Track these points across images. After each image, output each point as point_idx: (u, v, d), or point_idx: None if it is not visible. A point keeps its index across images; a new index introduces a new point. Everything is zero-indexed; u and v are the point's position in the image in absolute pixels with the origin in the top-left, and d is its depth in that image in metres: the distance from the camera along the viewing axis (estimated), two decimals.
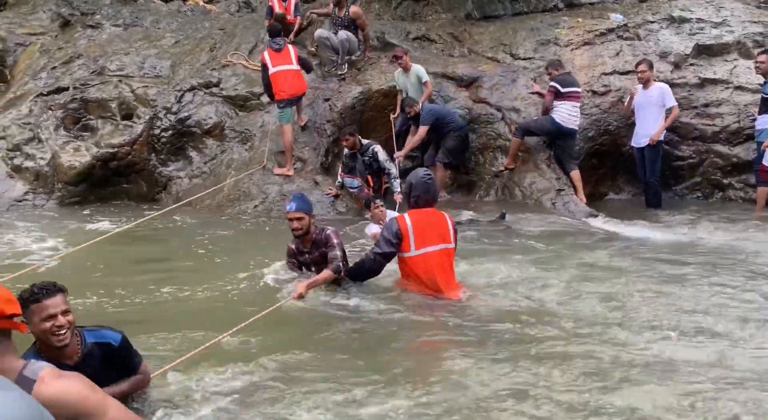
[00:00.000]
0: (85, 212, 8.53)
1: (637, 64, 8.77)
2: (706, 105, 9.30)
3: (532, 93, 9.46)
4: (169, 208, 8.08)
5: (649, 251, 6.54)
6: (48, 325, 2.86)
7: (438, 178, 8.17)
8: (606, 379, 3.56)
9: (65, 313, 2.91)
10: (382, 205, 7.38)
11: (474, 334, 4.33)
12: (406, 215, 5.14)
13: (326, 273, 5.07)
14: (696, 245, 6.84)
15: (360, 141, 8.35)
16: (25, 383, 2.14)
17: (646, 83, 8.65)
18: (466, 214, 8.13)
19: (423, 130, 8.84)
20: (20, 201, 8.67)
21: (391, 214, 7.27)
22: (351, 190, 8.58)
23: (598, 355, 3.85)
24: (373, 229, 7.19)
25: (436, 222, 5.14)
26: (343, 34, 9.86)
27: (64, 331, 2.90)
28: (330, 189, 8.61)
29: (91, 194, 9.01)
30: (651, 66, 8.68)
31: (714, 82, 9.39)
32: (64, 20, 11.14)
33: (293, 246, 5.45)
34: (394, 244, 5.01)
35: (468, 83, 9.83)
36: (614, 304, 4.86)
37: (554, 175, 8.85)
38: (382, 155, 8.32)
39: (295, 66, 8.83)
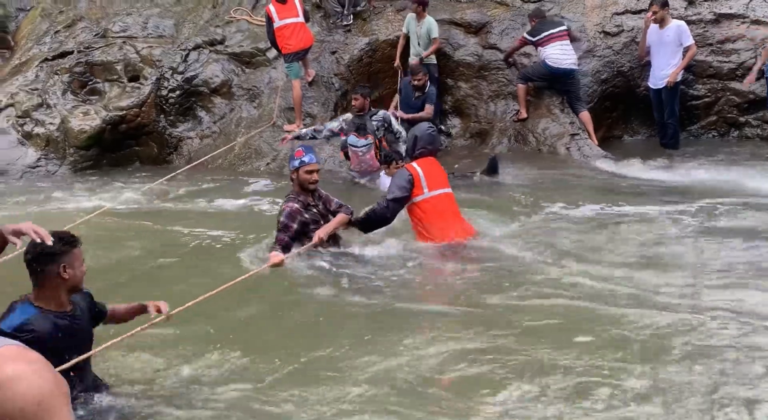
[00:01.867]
0: (93, 178, 8.53)
1: (650, 5, 8.53)
2: (722, 41, 9.07)
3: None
4: (181, 170, 7.98)
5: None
6: (84, 268, 3.08)
7: None
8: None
9: None
10: (401, 166, 7.21)
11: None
12: (413, 163, 5.33)
13: (341, 217, 5.06)
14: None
15: (369, 104, 7.87)
16: None
17: (661, 22, 8.42)
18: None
19: (430, 109, 8.65)
20: (33, 167, 8.69)
21: (384, 179, 7.17)
22: (355, 150, 7.78)
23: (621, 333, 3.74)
24: (386, 179, 7.13)
25: (437, 168, 5.44)
26: None
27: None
28: (286, 134, 7.98)
29: (103, 158, 9.01)
30: (664, 4, 8.41)
31: (730, 17, 9.14)
32: None
33: (296, 205, 4.92)
34: (407, 188, 5.15)
35: (477, 29, 9.63)
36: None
37: (568, 119, 8.73)
38: (394, 121, 7.89)
39: (301, 18, 8.66)
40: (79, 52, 9.54)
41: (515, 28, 9.38)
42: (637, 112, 9.43)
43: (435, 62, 9.26)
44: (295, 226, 4.80)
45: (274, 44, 8.76)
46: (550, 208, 6.11)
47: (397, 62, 9.28)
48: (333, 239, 5.03)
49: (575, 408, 2.95)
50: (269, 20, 8.60)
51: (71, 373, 2.92)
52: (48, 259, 2.96)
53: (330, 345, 3.66)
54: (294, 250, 4.73)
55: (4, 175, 8.47)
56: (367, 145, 7.70)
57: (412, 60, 9.17)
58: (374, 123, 7.69)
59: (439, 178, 5.34)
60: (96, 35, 9.85)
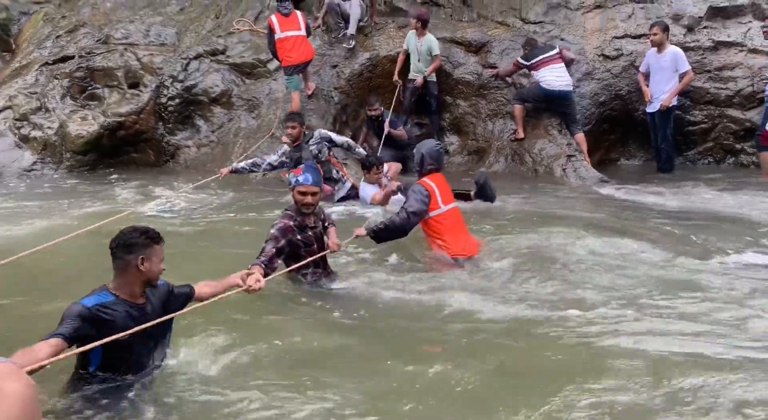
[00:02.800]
0: (90, 182, 8.50)
1: (652, 26, 8.61)
2: (720, 69, 9.15)
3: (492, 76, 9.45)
4: (186, 188, 7.54)
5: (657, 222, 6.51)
6: (162, 266, 3.21)
7: None
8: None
9: None
10: (381, 171, 7.18)
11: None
12: (426, 179, 5.44)
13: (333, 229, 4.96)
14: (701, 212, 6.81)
15: (304, 131, 7.55)
16: None
17: (659, 47, 8.50)
18: None
19: (399, 131, 8.76)
20: (29, 171, 8.67)
21: (366, 187, 7.16)
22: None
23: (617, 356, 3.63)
24: (371, 190, 7.10)
25: (445, 183, 5.57)
26: (356, 2, 9.63)
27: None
28: (221, 170, 7.44)
29: (100, 163, 8.99)
30: (665, 29, 8.51)
31: (728, 44, 9.22)
32: None
33: (291, 223, 4.56)
34: (426, 203, 5.26)
35: (477, 48, 9.70)
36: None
37: (565, 140, 8.77)
38: (334, 134, 7.61)
39: (302, 31, 8.71)
40: (80, 57, 9.56)
41: (515, 48, 9.44)
42: (634, 136, 9.48)
43: (435, 80, 9.32)
44: (283, 241, 4.47)
45: (275, 55, 8.81)
46: (542, 228, 6.09)
47: (395, 77, 9.33)
48: (323, 267, 4.78)
49: None
50: (270, 31, 8.66)
51: (125, 363, 3.10)
52: (129, 249, 3.11)
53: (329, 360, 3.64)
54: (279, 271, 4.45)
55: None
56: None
57: (412, 76, 9.24)
58: (312, 148, 7.37)
59: (448, 192, 5.55)
60: (98, 41, 9.87)
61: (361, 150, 7.75)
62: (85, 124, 8.91)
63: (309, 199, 4.55)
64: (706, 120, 9.20)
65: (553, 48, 8.83)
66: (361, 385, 3.30)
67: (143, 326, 3.03)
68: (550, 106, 8.90)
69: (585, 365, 3.52)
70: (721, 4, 9.36)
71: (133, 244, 3.11)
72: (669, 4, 9.56)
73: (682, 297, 4.40)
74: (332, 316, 4.24)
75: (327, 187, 7.12)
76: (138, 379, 3.16)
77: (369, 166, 7.24)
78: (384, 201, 6.78)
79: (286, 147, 7.58)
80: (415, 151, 5.76)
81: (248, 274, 3.86)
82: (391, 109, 9.05)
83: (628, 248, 5.45)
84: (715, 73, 9.16)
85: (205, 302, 3.53)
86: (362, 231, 5.23)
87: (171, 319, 3.35)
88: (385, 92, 9.67)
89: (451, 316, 4.22)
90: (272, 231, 4.50)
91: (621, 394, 3.13)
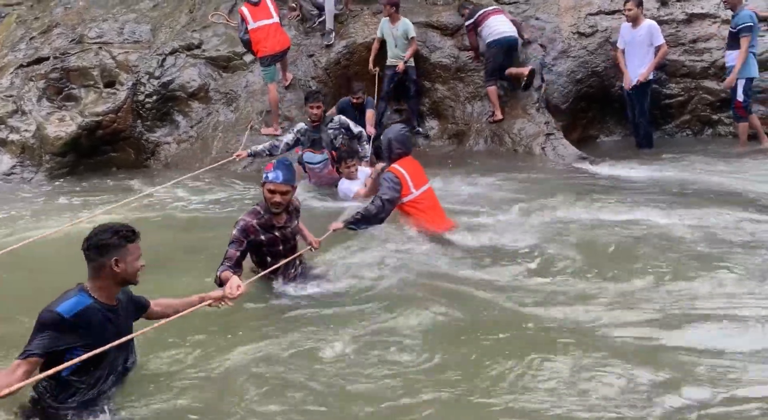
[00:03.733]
0: (70, 184, 8.47)
1: (626, 2, 8.60)
2: (694, 41, 9.17)
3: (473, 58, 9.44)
4: (163, 186, 7.28)
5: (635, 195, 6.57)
6: (139, 264, 3.12)
7: None
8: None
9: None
10: (353, 164, 7.09)
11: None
12: (395, 165, 5.48)
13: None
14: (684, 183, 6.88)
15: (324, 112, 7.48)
16: None
17: (634, 21, 8.51)
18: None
19: (370, 113, 8.63)
20: (8, 175, 8.65)
21: (363, 170, 7.15)
22: (311, 167, 7.44)
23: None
24: (348, 184, 7.08)
25: (416, 166, 5.63)
26: None
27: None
28: (240, 152, 7.45)
29: (80, 164, 8.96)
30: (639, 3, 8.48)
31: (701, 16, 9.25)
32: None
33: (253, 222, 4.32)
34: (397, 189, 5.34)
35: (453, 31, 9.68)
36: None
37: (543, 119, 8.78)
38: (351, 123, 7.53)
39: (276, 19, 8.63)
40: (54, 58, 9.52)
41: None
42: (611, 112, 9.51)
43: (413, 64, 9.31)
44: (246, 243, 4.26)
45: (248, 46, 8.74)
46: (521, 206, 6.16)
47: (371, 66, 9.30)
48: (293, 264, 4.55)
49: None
50: (242, 21, 8.56)
51: (100, 368, 3.03)
52: (101, 251, 3.01)
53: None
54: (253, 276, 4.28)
55: None
56: (323, 160, 7.33)
57: (390, 63, 9.22)
58: (330, 132, 7.29)
59: (421, 175, 5.60)
60: (72, 41, 9.82)
61: (368, 147, 7.64)
62: (62, 125, 8.88)
63: (278, 198, 4.29)
64: (682, 93, 9.23)
65: (490, 4, 9.12)
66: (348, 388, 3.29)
67: (121, 341, 2.98)
68: (511, 62, 8.90)
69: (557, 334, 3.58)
70: None
71: (104, 245, 3.00)
72: None
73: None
74: (308, 319, 4.09)
75: (335, 173, 7.30)
76: (109, 386, 3.11)
77: (341, 160, 7.12)
78: (370, 192, 6.54)
79: (302, 124, 7.43)
80: (382, 137, 5.80)
81: (222, 294, 3.58)
82: (375, 98, 9.03)
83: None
84: (690, 45, 9.18)
85: (176, 315, 3.36)
86: (339, 224, 5.24)
87: (131, 322, 3.29)
88: (363, 80, 9.64)
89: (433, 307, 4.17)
90: (234, 232, 4.28)
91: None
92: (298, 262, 4.64)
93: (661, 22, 8.88)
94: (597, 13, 9.45)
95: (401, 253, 5.03)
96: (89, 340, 2.91)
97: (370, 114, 8.61)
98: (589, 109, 9.49)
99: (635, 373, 3.21)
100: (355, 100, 8.58)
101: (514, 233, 5.44)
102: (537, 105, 8.92)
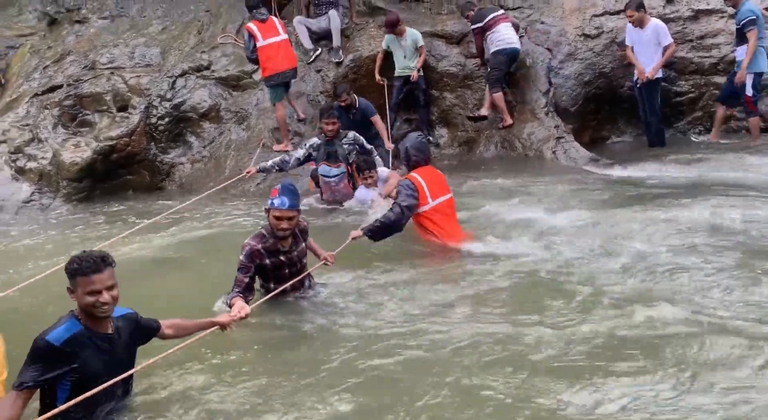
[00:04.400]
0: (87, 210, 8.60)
1: (625, 8, 8.58)
2: (702, 37, 9.14)
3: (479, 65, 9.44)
4: (176, 208, 7.44)
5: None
6: (92, 299, 2.92)
7: None
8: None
9: (110, 288, 2.97)
10: (373, 175, 7.11)
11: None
12: (413, 173, 5.48)
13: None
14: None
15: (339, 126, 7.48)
16: None
17: (639, 23, 8.47)
18: None
19: (376, 117, 8.59)
20: (27, 202, 8.77)
21: (362, 189, 7.15)
22: (327, 180, 7.35)
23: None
24: (365, 191, 7.12)
25: (437, 175, 5.62)
26: (333, 13, 9.58)
27: (107, 306, 2.96)
28: (250, 168, 7.54)
29: (96, 189, 9.07)
30: (639, 7, 8.42)
31: (708, 12, 9.21)
32: (51, 18, 11.11)
33: (258, 247, 4.33)
34: (414, 196, 5.31)
35: (459, 39, 9.73)
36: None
37: (553, 122, 8.79)
38: (364, 140, 7.54)
39: (284, 35, 8.68)
40: (68, 85, 9.67)
41: None
42: (621, 112, 9.48)
43: (422, 73, 9.36)
44: (253, 268, 4.31)
45: (255, 62, 8.78)
46: (533, 212, 6.16)
47: (377, 77, 9.37)
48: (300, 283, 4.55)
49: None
50: (251, 38, 8.59)
51: (99, 398, 2.95)
52: (68, 276, 2.96)
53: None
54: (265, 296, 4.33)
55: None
56: (340, 174, 7.27)
57: (399, 73, 9.28)
58: (346, 147, 7.28)
59: (440, 185, 5.56)
60: (84, 68, 9.99)
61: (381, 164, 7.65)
62: (78, 151, 9.02)
63: (285, 224, 4.27)
64: (692, 89, 9.19)
65: (498, 9, 9.09)
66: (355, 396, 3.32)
67: (115, 379, 2.94)
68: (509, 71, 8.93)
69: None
70: None
71: (67, 272, 2.96)
72: None
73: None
74: (315, 338, 4.11)
75: (349, 192, 7.30)
76: (108, 411, 3.11)
77: (360, 171, 7.17)
78: (390, 188, 6.51)
79: (315, 139, 7.45)
80: (400, 146, 5.82)
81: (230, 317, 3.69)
82: (387, 108, 9.06)
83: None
84: (698, 41, 9.15)
85: (190, 341, 3.40)
86: (358, 233, 5.25)
87: (135, 349, 3.25)
88: (371, 92, 9.71)
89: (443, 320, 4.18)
90: (241, 258, 4.31)
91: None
92: (307, 284, 4.65)
93: (667, 20, 8.85)
94: (602, 14, 9.45)
95: (413, 270, 5.04)
96: (78, 367, 2.90)
97: (380, 126, 8.57)
98: (598, 111, 9.47)
99: None
100: (342, 103, 8.44)
101: (533, 247, 5.35)
102: (546, 109, 8.93)
